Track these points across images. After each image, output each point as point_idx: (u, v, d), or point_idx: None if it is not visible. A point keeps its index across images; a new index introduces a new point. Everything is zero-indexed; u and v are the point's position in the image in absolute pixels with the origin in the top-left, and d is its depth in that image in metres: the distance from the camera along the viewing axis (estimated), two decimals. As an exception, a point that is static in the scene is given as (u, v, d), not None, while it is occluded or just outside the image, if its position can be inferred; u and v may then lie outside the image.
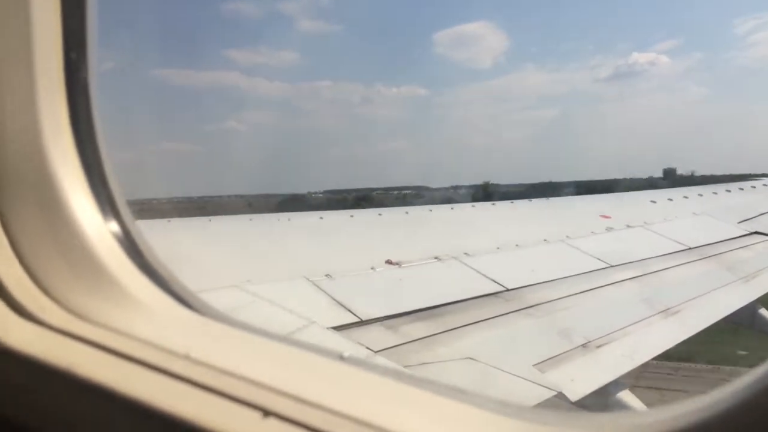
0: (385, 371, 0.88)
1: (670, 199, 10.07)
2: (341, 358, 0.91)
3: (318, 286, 5.07)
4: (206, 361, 0.86)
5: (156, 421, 0.79)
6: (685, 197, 10.28)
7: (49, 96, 0.99)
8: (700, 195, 10.55)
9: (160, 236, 1.19)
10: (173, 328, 0.98)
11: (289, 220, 7.19)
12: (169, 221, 6.71)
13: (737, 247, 7.82)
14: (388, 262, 5.85)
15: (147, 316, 1.00)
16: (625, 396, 4.53)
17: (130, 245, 1.07)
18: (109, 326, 0.96)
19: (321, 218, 7.37)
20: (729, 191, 11.04)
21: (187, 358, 0.87)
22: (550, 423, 0.76)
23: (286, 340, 0.97)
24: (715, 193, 10.86)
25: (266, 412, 0.77)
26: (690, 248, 7.45)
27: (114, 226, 1.06)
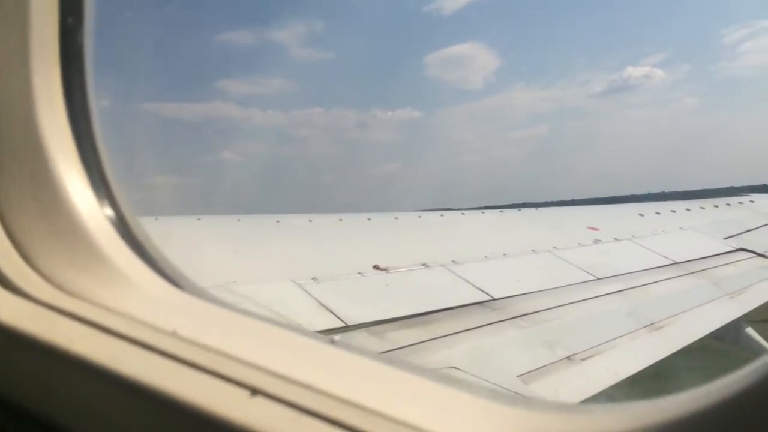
0: (375, 356, 0.87)
1: (658, 213, 10.15)
2: (332, 341, 0.90)
3: (304, 289, 5.05)
4: (194, 339, 0.85)
5: (142, 396, 0.78)
6: (673, 211, 10.37)
7: (43, 63, 0.97)
8: (688, 210, 10.64)
9: (147, 233, 1.18)
10: (161, 306, 0.97)
11: (277, 221, 7.16)
12: (156, 218, 6.66)
13: (723, 263, 7.89)
14: (376, 267, 5.83)
15: (135, 293, 0.98)
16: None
17: (120, 222, 1.05)
18: (96, 302, 0.94)
19: (310, 221, 7.35)
20: (716, 206, 11.14)
21: (174, 335, 0.86)
22: (541, 410, 0.76)
23: (275, 321, 0.96)
24: (703, 208, 10.95)
25: (254, 391, 0.76)
26: (676, 263, 7.49)
27: (105, 202, 1.04)
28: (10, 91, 0.96)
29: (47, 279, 0.98)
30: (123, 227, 1.04)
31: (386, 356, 0.94)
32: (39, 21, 0.94)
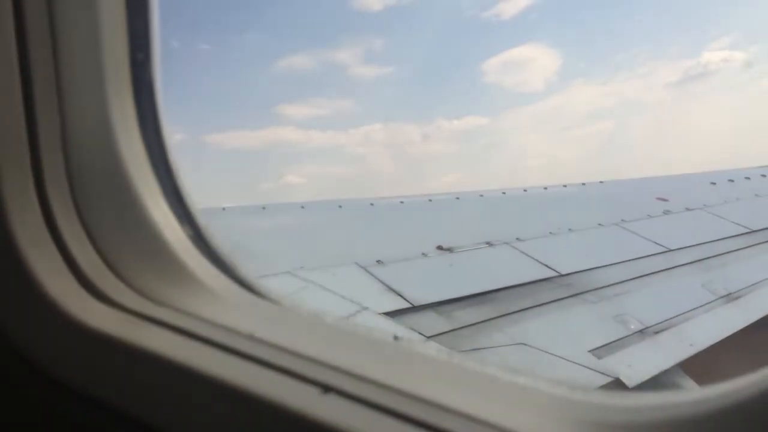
0: (436, 351, 0.91)
1: (731, 180, 9.70)
2: (395, 338, 0.95)
3: (370, 272, 5.14)
4: (269, 341, 0.91)
5: (224, 395, 0.85)
6: (747, 178, 9.89)
7: (118, 95, 1.05)
8: (763, 176, 10.12)
9: (216, 223, 1.25)
10: (237, 310, 1.04)
11: (339, 207, 7.27)
12: (224, 209, 6.89)
13: (804, 229, 7.49)
14: (440, 247, 5.86)
15: (212, 299, 1.06)
16: (685, 382, 4.45)
17: (195, 233, 1.13)
18: (179, 309, 1.02)
19: (371, 204, 7.43)
20: None
21: (251, 337, 0.93)
22: (605, 403, 0.77)
23: (342, 322, 1.01)
24: (779, 173, 10.39)
25: (326, 388, 0.81)
26: (753, 231, 7.19)
27: (180, 215, 1.12)
28: (89, 121, 1.05)
29: (134, 289, 1.07)
30: (199, 239, 1.12)
31: (447, 351, 0.98)
32: (111, 58, 1.03)
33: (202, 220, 1.14)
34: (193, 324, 0.97)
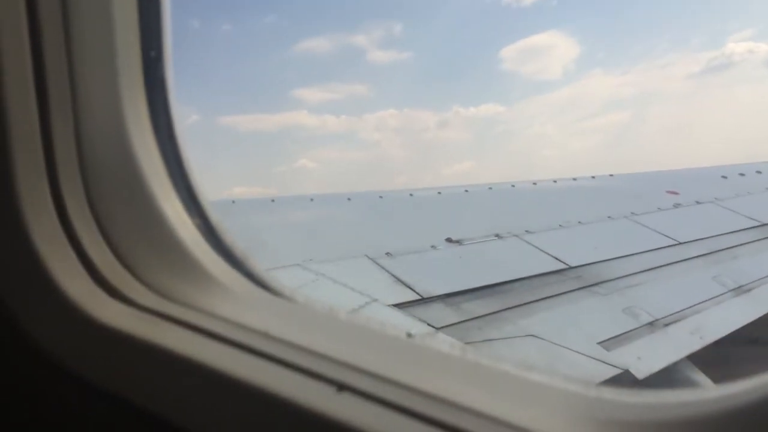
0: (450, 348, 0.91)
1: (742, 174, 9.63)
2: (408, 335, 0.95)
3: (379, 265, 5.15)
4: (283, 338, 0.92)
5: (239, 392, 0.85)
6: (758, 172, 9.81)
7: (130, 93, 1.06)
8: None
9: (225, 216, 1.26)
10: (252, 308, 1.05)
11: (348, 199, 7.28)
12: (233, 202, 6.92)
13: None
14: (449, 239, 5.87)
15: (227, 297, 1.06)
16: (694, 374, 4.45)
17: (210, 231, 1.13)
18: (193, 306, 1.02)
19: (380, 197, 7.43)
20: None
21: (265, 335, 0.93)
22: (617, 400, 0.77)
23: (357, 318, 1.02)
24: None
25: (340, 387, 0.82)
26: (764, 224, 7.14)
27: (194, 212, 1.12)
28: (102, 120, 1.05)
29: (149, 286, 1.07)
30: (212, 236, 1.13)
31: (460, 347, 0.98)
32: (124, 57, 1.03)
33: (215, 217, 1.14)
34: (207, 321, 0.98)
